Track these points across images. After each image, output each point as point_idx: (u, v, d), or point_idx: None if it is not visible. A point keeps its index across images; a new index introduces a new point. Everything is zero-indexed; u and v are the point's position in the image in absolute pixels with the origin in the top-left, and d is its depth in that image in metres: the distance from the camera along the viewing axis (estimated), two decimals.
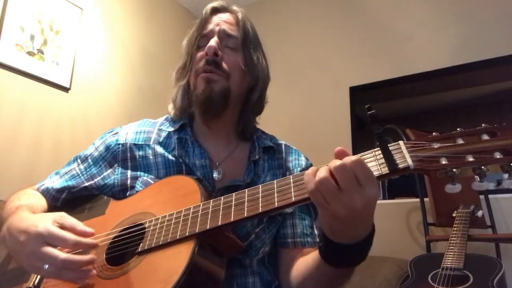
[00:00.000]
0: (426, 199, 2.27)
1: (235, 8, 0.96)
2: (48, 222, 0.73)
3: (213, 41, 0.88)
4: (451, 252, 1.72)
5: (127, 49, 2.94)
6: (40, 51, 2.32)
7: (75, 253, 0.71)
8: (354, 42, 3.01)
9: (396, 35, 2.85)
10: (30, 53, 2.27)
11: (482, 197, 2.21)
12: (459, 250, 1.72)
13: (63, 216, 0.76)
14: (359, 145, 2.85)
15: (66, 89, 2.46)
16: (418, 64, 2.72)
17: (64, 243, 0.70)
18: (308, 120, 3.05)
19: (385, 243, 2.22)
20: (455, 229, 1.85)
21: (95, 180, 0.92)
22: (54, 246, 0.70)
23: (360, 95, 3.01)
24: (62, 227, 0.74)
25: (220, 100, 0.87)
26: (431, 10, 2.76)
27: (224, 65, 0.88)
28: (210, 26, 0.92)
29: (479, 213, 1.99)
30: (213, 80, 0.87)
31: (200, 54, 0.90)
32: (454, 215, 1.96)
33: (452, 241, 1.78)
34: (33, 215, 0.79)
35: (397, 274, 1.99)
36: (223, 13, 0.95)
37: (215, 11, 0.95)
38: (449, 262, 1.67)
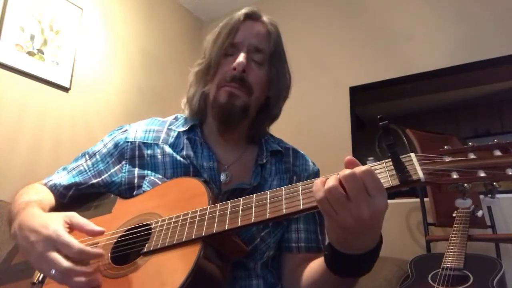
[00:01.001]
0: (426, 199, 2.27)
1: (266, 19, 0.95)
2: (58, 223, 0.73)
3: (243, 57, 0.87)
4: (451, 252, 1.72)
5: (127, 49, 2.93)
6: (40, 51, 2.32)
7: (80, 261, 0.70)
8: (354, 42, 3.01)
9: (396, 35, 2.84)
10: (30, 53, 2.27)
11: (482, 197, 2.20)
12: (459, 250, 1.72)
13: (73, 216, 0.76)
14: (359, 145, 2.85)
15: (66, 89, 2.46)
16: (418, 64, 2.72)
17: (68, 250, 0.69)
18: (308, 120, 3.05)
19: (385, 243, 2.20)
20: (455, 229, 1.85)
21: (102, 177, 0.92)
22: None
23: (360, 95, 3.01)
24: (72, 226, 0.74)
25: (239, 115, 0.88)
26: (431, 10, 2.76)
27: (249, 81, 0.88)
28: (241, 37, 0.90)
29: (479, 213, 1.99)
30: (236, 95, 0.87)
31: (227, 66, 0.89)
32: (454, 215, 1.96)
33: (452, 241, 1.78)
34: (43, 214, 0.79)
35: (397, 274, 1.99)
36: (255, 21, 0.94)
37: (248, 18, 0.93)
38: (449, 262, 1.67)
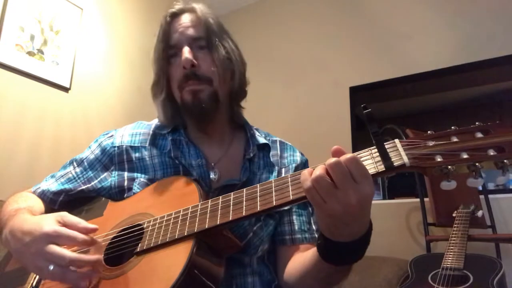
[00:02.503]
0: (426, 199, 2.27)
1: (192, 5, 0.94)
2: (51, 221, 0.73)
3: (187, 53, 0.87)
4: (451, 252, 1.72)
5: (127, 49, 2.93)
6: (40, 51, 2.32)
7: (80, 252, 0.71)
8: (354, 42, 3.01)
9: (396, 35, 2.85)
10: (30, 53, 2.27)
11: (482, 197, 2.21)
12: (459, 250, 1.72)
13: (65, 215, 0.76)
14: (359, 145, 2.85)
15: (66, 89, 2.45)
16: (418, 64, 2.72)
17: (71, 241, 0.70)
18: (308, 120, 3.05)
19: (385, 243, 2.22)
20: (455, 229, 1.85)
21: (92, 183, 0.92)
22: (60, 246, 0.69)
23: (360, 95, 3.01)
24: (65, 225, 0.74)
25: (211, 106, 0.89)
26: (431, 10, 2.76)
27: (203, 71, 0.88)
28: (176, 36, 0.90)
29: (479, 213, 1.99)
30: (199, 90, 0.88)
31: (175, 67, 0.89)
32: (454, 215, 1.97)
33: (452, 241, 1.78)
34: (35, 217, 0.79)
35: (397, 274, 1.99)
36: (182, 14, 0.93)
37: (174, 16, 0.93)
38: (449, 262, 1.67)
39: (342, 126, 2.90)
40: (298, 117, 3.09)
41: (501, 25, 2.50)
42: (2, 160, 2.09)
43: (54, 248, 0.68)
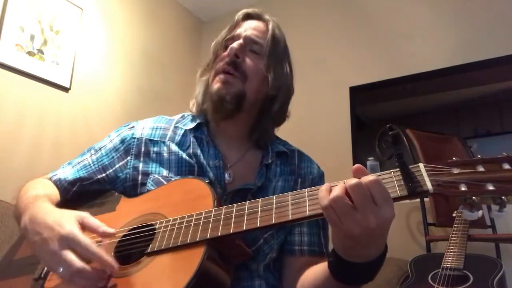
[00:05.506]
0: (426, 199, 2.27)
1: (267, 16, 0.97)
2: (73, 223, 0.71)
3: (236, 43, 0.89)
4: (451, 252, 1.72)
5: (127, 49, 2.93)
6: (40, 51, 2.32)
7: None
8: (354, 42, 3.01)
9: (396, 35, 2.84)
10: (30, 53, 2.27)
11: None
12: (459, 250, 1.72)
13: (86, 217, 0.74)
14: (359, 145, 2.85)
15: (66, 89, 2.45)
16: (418, 64, 2.72)
17: (85, 251, 0.67)
18: (308, 120, 3.04)
19: None
20: (455, 229, 1.85)
21: (107, 172, 0.91)
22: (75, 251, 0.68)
23: (360, 95, 3.01)
24: (84, 227, 0.72)
25: (232, 102, 0.87)
26: (431, 10, 2.76)
27: (244, 67, 0.89)
28: (239, 30, 0.93)
29: (479, 213, 1.99)
30: (229, 83, 0.88)
31: (223, 54, 0.92)
32: (454, 215, 1.96)
33: (452, 241, 1.77)
34: (56, 210, 0.77)
35: (397, 274, 1.99)
36: (255, 20, 0.96)
37: (247, 17, 0.96)
38: (449, 262, 1.67)
39: (342, 126, 2.90)
40: (298, 117, 3.08)
41: (501, 25, 2.50)
42: (2, 160, 2.09)
43: (66, 254, 0.67)
